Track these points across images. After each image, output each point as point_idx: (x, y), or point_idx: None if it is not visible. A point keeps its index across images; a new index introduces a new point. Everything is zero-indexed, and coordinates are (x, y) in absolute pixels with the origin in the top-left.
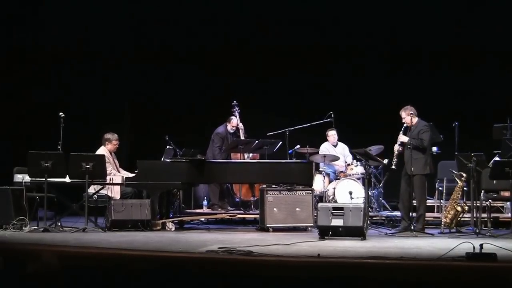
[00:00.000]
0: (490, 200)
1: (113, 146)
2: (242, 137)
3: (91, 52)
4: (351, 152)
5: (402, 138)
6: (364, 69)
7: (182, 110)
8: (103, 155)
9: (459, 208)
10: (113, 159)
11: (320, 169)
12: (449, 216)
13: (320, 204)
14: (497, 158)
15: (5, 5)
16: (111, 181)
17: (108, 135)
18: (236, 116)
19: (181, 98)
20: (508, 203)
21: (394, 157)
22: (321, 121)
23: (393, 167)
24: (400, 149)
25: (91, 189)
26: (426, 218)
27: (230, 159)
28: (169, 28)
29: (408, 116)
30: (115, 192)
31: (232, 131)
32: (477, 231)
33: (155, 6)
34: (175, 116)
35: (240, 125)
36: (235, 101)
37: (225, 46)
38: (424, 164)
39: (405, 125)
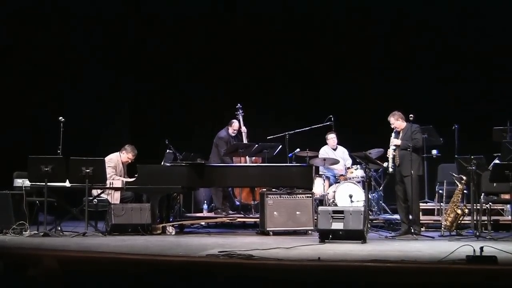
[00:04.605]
0: (490, 203)
1: (126, 159)
2: (245, 141)
3: (89, 51)
4: (350, 156)
5: (396, 141)
6: (363, 72)
7: (182, 113)
8: (103, 160)
9: (459, 211)
10: (122, 168)
11: (320, 173)
12: (450, 219)
13: (320, 208)
14: (497, 161)
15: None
16: (111, 186)
17: (128, 147)
18: (239, 119)
19: (182, 101)
20: (508, 205)
21: (390, 162)
22: (321, 125)
23: (390, 170)
24: (394, 153)
25: (94, 193)
26: (426, 221)
27: (233, 163)
28: (170, 27)
29: (397, 121)
30: (114, 199)
31: (233, 134)
32: (477, 234)
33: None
34: (175, 119)
35: (243, 128)
36: (239, 104)
37: (225, 46)
38: (419, 165)
39: (395, 130)
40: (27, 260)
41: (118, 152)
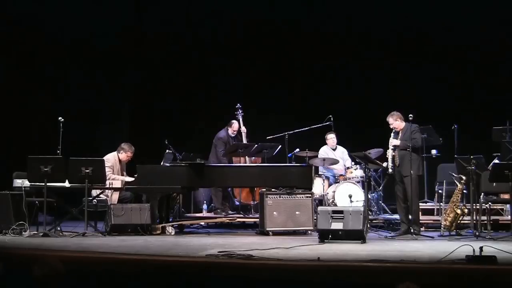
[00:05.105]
0: (489, 203)
1: (126, 157)
2: (244, 141)
3: (90, 53)
4: (350, 156)
5: (395, 142)
6: (363, 72)
7: (182, 113)
8: (102, 160)
9: (459, 211)
10: (120, 168)
11: (320, 173)
12: (449, 219)
13: (319, 208)
14: (496, 161)
15: None
16: (110, 185)
17: (125, 145)
18: (239, 120)
19: (182, 101)
20: (508, 205)
21: (390, 162)
22: (320, 125)
23: (390, 170)
24: (394, 153)
25: (93, 193)
26: (426, 221)
27: (232, 163)
28: (171, 28)
29: (395, 122)
30: (112, 200)
31: (233, 135)
32: (477, 233)
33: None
34: (175, 119)
35: (243, 128)
36: (239, 104)
37: (225, 47)
38: (418, 165)
39: (394, 130)
40: (29, 260)
41: (115, 152)
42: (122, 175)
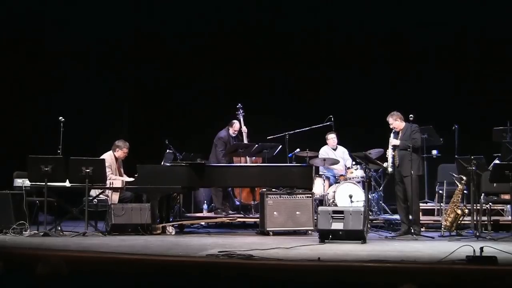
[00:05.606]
0: (490, 203)
1: (123, 154)
2: (245, 141)
3: (89, 52)
4: (350, 156)
5: (394, 141)
6: (363, 72)
7: (182, 113)
8: (103, 160)
9: (459, 211)
10: (118, 166)
11: (320, 173)
12: (449, 219)
13: (320, 208)
14: (497, 161)
15: None
16: (111, 185)
17: (119, 142)
18: (240, 119)
19: (182, 100)
20: (508, 206)
21: (390, 162)
22: (321, 125)
23: (390, 170)
24: (393, 153)
25: (93, 193)
26: (426, 222)
27: (233, 163)
28: (171, 29)
29: (395, 122)
30: (112, 199)
31: (234, 135)
32: (477, 234)
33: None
34: (175, 119)
35: (244, 128)
36: (239, 104)
37: (225, 48)
38: (419, 165)
39: (394, 130)
40: (29, 260)
41: (111, 151)
42: (120, 173)
